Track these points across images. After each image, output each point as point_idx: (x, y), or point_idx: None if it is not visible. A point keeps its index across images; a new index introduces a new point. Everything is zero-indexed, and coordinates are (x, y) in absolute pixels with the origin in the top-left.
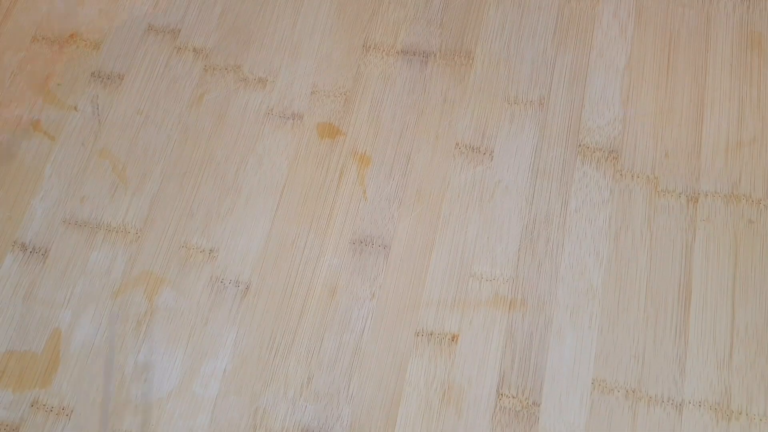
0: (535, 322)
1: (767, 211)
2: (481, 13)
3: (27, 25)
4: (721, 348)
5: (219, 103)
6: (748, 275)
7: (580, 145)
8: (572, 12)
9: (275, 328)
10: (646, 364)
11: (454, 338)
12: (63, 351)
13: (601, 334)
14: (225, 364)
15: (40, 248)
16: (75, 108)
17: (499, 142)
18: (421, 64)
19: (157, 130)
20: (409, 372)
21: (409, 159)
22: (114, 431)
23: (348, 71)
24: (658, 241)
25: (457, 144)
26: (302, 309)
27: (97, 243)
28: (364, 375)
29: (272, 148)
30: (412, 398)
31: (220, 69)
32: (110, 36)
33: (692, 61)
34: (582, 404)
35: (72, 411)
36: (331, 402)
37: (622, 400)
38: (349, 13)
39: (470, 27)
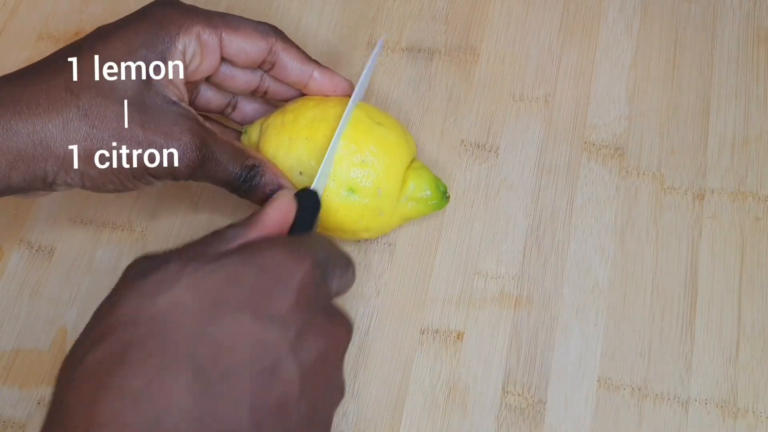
0: (541, 319)
1: None
2: (487, 9)
3: (32, 23)
4: (727, 345)
5: None
6: (754, 273)
7: (585, 142)
8: (578, 8)
9: None
10: (652, 361)
11: (459, 336)
12: (69, 349)
13: (607, 332)
14: None
15: (45, 246)
16: None
17: (504, 138)
18: (426, 60)
19: None
20: (415, 369)
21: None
22: None
23: (353, 68)
24: (664, 238)
25: (462, 141)
26: None
27: (102, 241)
28: (370, 372)
29: None
30: (417, 396)
31: None
32: None
33: (698, 57)
34: (588, 402)
35: None
36: None
37: (628, 398)
38: (354, 9)
39: (475, 23)
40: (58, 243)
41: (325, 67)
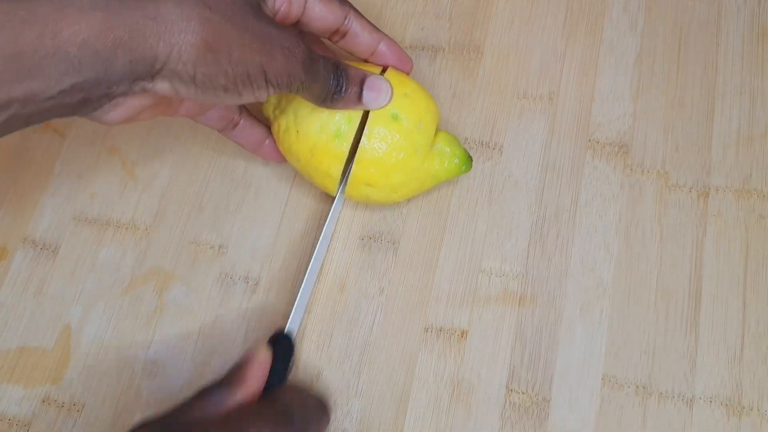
0: (545, 317)
1: None
2: (491, 6)
3: None
4: (732, 343)
5: None
6: (759, 270)
7: (590, 140)
8: (581, 5)
9: (284, 323)
10: (656, 359)
11: (463, 334)
12: (74, 347)
13: (611, 330)
14: (235, 360)
15: (50, 244)
16: None
17: (508, 136)
18: (429, 58)
19: (166, 126)
20: (419, 368)
21: None
22: (125, 426)
23: None
24: (669, 236)
25: (466, 139)
26: (311, 305)
27: (106, 239)
28: (374, 370)
29: None
30: (421, 394)
31: None
32: None
33: (703, 55)
34: (592, 400)
35: (83, 407)
36: (340, 397)
37: (633, 396)
38: (358, 7)
39: (479, 21)
40: (63, 242)
41: (391, 40)
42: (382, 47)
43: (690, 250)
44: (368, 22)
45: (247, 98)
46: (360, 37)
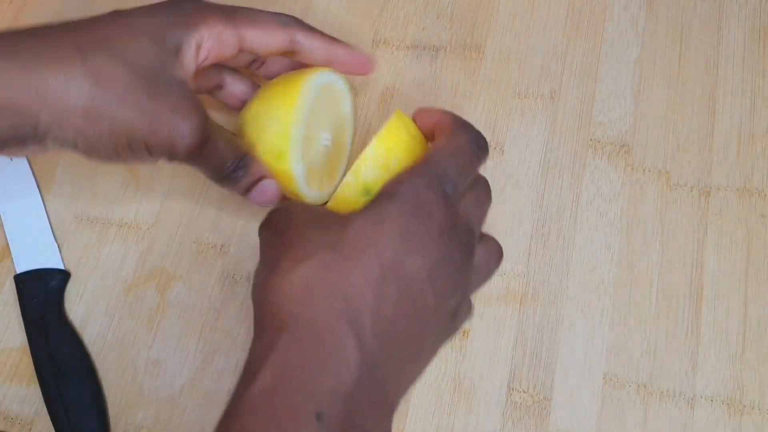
0: (546, 316)
1: None
2: (492, 6)
3: (40, 21)
4: (733, 342)
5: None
6: (760, 269)
7: (591, 139)
8: (583, 4)
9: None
10: (657, 358)
11: (465, 333)
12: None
13: (613, 329)
14: (237, 359)
15: None
16: None
17: (509, 136)
18: (431, 58)
19: None
20: None
21: None
22: (127, 425)
23: None
24: (670, 235)
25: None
26: None
27: (108, 239)
28: None
29: None
30: (423, 392)
31: None
32: None
33: (704, 53)
34: (593, 399)
35: None
36: None
37: (634, 395)
38: (359, 7)
39: (480, 20)
40: (65, 241)
41: (348, 46)
42: (340, 54)
43: (691, 249)
44: (320, 34)
45: (134, 164)
46: (314, 53)
